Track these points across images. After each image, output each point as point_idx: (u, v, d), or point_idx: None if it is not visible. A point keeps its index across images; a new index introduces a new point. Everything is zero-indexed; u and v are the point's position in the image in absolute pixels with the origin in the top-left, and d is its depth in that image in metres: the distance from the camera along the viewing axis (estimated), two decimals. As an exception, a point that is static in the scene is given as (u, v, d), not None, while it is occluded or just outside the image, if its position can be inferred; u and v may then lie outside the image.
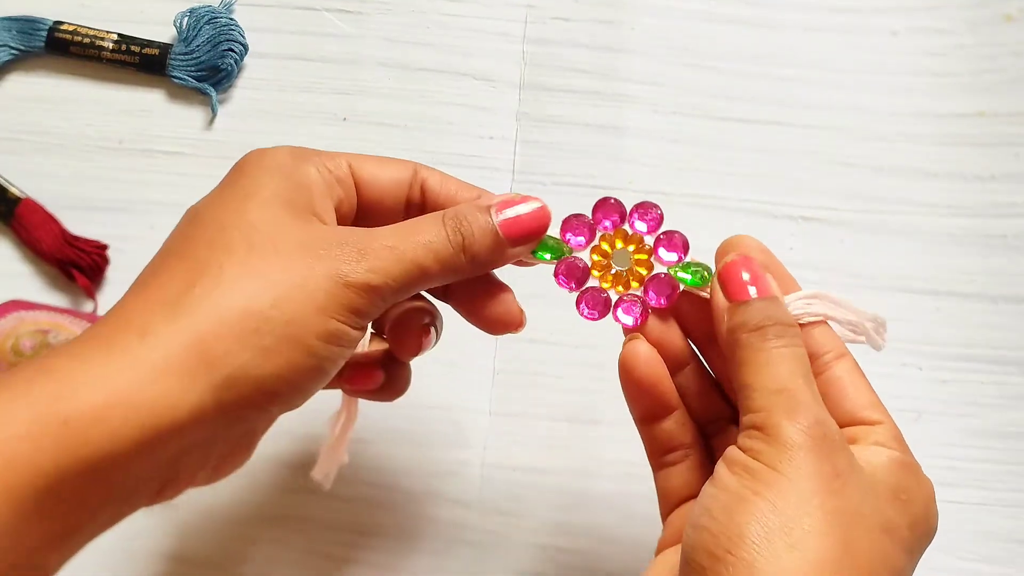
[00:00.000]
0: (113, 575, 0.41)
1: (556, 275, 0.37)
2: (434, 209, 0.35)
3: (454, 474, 0.42)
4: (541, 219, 0.35)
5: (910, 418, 0.42)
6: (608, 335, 0.44)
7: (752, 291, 0.32)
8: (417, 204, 0.35)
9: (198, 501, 0.42)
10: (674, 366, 0.36)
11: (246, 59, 0.47)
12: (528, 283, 0.44)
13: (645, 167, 0.45)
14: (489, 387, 0.43)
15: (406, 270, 0.32)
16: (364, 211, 0.35)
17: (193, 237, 0.31)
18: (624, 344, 0.35)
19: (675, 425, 0.35)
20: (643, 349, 0.35)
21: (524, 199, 0.35)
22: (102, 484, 0.28)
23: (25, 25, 0.47)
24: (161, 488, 0.30)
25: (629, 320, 0.36)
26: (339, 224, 0.34)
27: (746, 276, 0.33)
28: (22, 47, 0.47)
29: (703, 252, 0.44)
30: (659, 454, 0.35)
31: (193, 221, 0.32)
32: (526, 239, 0.35)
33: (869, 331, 0.35)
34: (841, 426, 0.32)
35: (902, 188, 0.45)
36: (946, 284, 0.43)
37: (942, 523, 0.40)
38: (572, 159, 0.46)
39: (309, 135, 0.46)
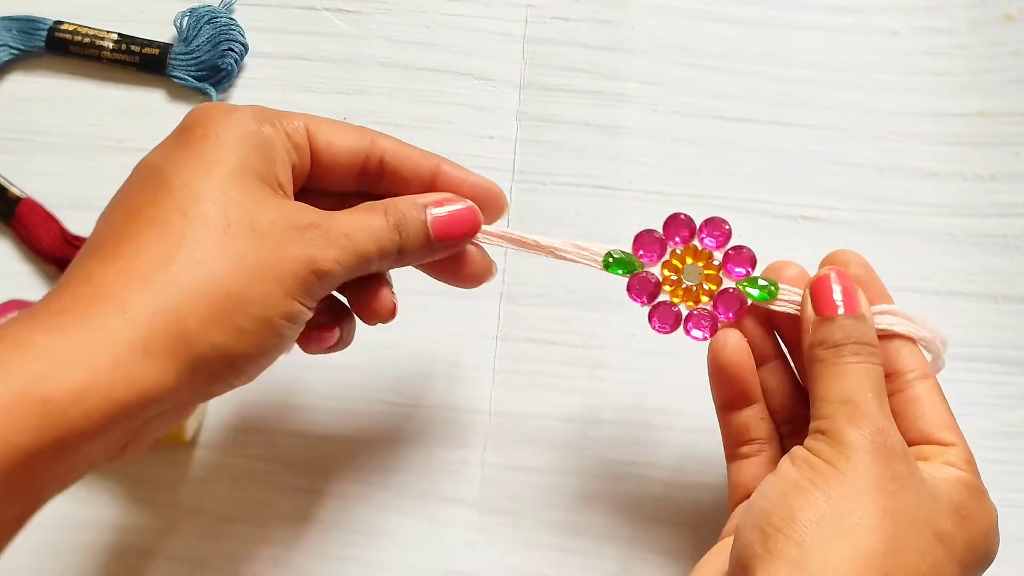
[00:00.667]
0: (107, 573, 0.40)
1: (629, 290, 0.38)
2: (393, 178, 0.36)
3: (454, 473, 0.42)
4: (470, 222, 0.36)
5: (910, 418, 0.42)
6: (608, 335, 0.44)
7: (840, 308, 0.34)
8: (374, 173, 0.36)
9: (195, 500, 0.42)
10: (760, 359, 0.37)
11: (246, 59, 0.47)
12: (528, 283, 0.44)
13: (645, 167, 0.45)
14: (489, 386, 0.43)
15: (356, 259, 0.33)
16: (315, 176, 0.35)
17: (161, 201, 0.31)
18: (717, 332, 0.37)
19: (753, 418, 0.37)
20: (733, 338, 0.36)
21: (457, 201, 0.36)
22: (72, 457, 0.28)
23: (25, 25, 0.47)
24: (122, 450, 0.31)
25: (700, 335, 0.38)
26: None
27: (837, 292, 0.34)
28: (22, 47, 0.47)
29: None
30: (735, 444, 0.37)
31: (158, 180, 0.31)
32: (453, 240, 0.36)
33: (940, 351, 0.36)
34: (914, 444, 0.33)
35: (902, 187, 0.45)
36: (946, 284, 0.43)
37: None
38: (572, 159, 0.46)
39: (309, 135, 0.46)
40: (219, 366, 0.31)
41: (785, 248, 0.44)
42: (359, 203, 0.35)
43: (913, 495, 0.31)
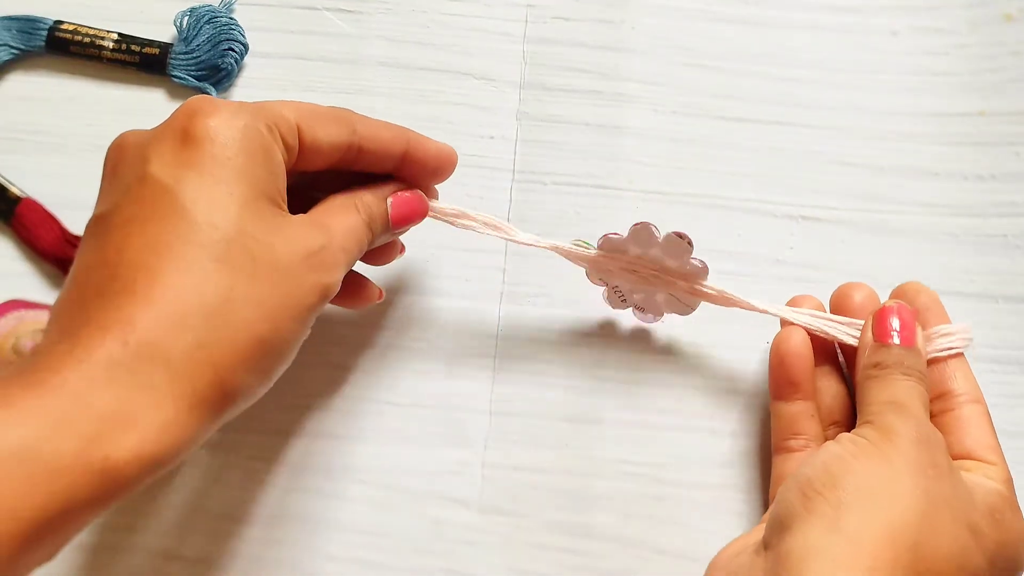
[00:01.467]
0: (107, 573, 0.40)
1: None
2: (369, 159, 0.37)
3: (454, 473, 0.42)
4: (421, 209, 0.39)
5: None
6: (608, 335, 0.44)
7: (895, 339, 0.37)
8: (352, 159, 0.37)
9: (194, 499, 0.42)
10: (819, 360, 0.40)
11: (246, 58, 0.47)
12: (528, 283, 0.44)
13: (645, 166, 0.45)
14: (489, 386, 0.43)
15: (349, 268, 0.36)
16: (294, 166, 0.36)
17: (187, 237, 0.31)
18: (783, 327, 0.40)
19: (803, 413, 0.39)
20: (798, 334, 0.39)
21: (409, 190, 0.39)
22: (115, 502, 0.29)
23: (25, 24, 0.47)
24: None
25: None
26: None
27: (895, 324, 0.37)
28: (22, 46, 0.47)
29: (704, 252, 0.44)
30: (783, 436, 0.39)
31: (176, 209, 0.31)
32: (407, 225, 0.39)
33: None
34: (957, 459, 0.35)
35: (902, 187, 0.45)
36: (946, 283, 0.43)
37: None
38: (572, 158, 0.46)
39: (309, 135, 0.46)
40: (242, 403, 0.32)
41: (785, 248, 0.44)
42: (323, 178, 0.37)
43: (950, 485, 0.33)
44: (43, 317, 0.43)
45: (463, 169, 0.45)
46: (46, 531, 0.27)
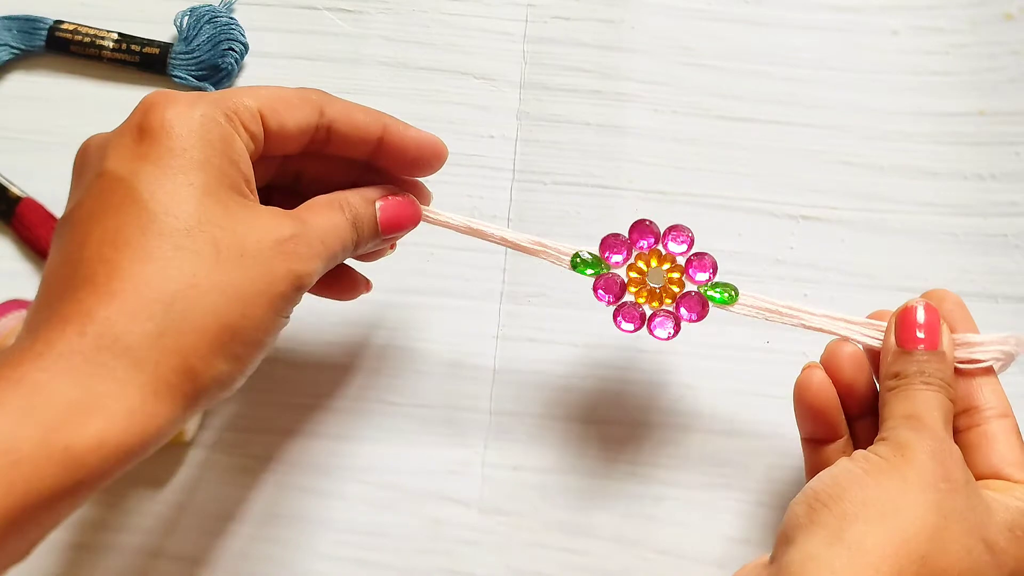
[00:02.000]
0: (106, 572, 0.40)
1: (595, 289, 0.39)
2: (341, 142, 0.36)
3: (454, 473, 0.42)
4: (413, 215, 0.38)
5: (910, 417, 0.42)
6: (608, 335, 0.44)
7: (919, 340, 0.35)
8: (322, 140, 0.36)
9: (193, 499, 0.42)
10: (851, 397, 0.37)
11: (246, 58, 0.47)
12: (528, 282, 0.44)
13: (646, 166, 0.45)
14: (489, 386, 0.43)
15: (329, 263, 0.35)
16: (263, 151, 0.35)
17: (147, 228, 0.30)
18: (803, 369, 0.37)
19: (836, 452, 0.37)
20: (818, 377, 0.37)
21: (401, 195, 0.38)
22: (85, 495, 0.29)
23: (25, 24, 0.47)
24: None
25: (663, 334, 0.39)
26: None
27: (920, 326, 0.35)
28: (22, 46, 0.47)
29: (706, 250, 0.44)
30: (816, 472, 0.36)
31: (134, 201, 0.31)
32: (399, 232, 0.38)
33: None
34: (982, 478, 0.34)
35: (902, 187, 0.45)
36: (946, 283, 0.43)
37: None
38: (573, 158, 0.46)
39: (309, 134, 0.46)
40: (216, 391, 0.31)
41: (785, 247, 0.44)
42: (300, 163, 0.37)
43: (965, 499, 0.32)
44: (43, 317, 0.43)
45: (464, 169, 0.45)
46: (10, 526, 0.27)
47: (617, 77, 0.47)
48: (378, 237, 0.37)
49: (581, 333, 0.43)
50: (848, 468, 0.33)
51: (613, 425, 0.42)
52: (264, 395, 0.43)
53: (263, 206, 0.34)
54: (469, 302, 0.44)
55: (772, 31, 0.47)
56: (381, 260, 0.44)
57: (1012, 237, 0.44)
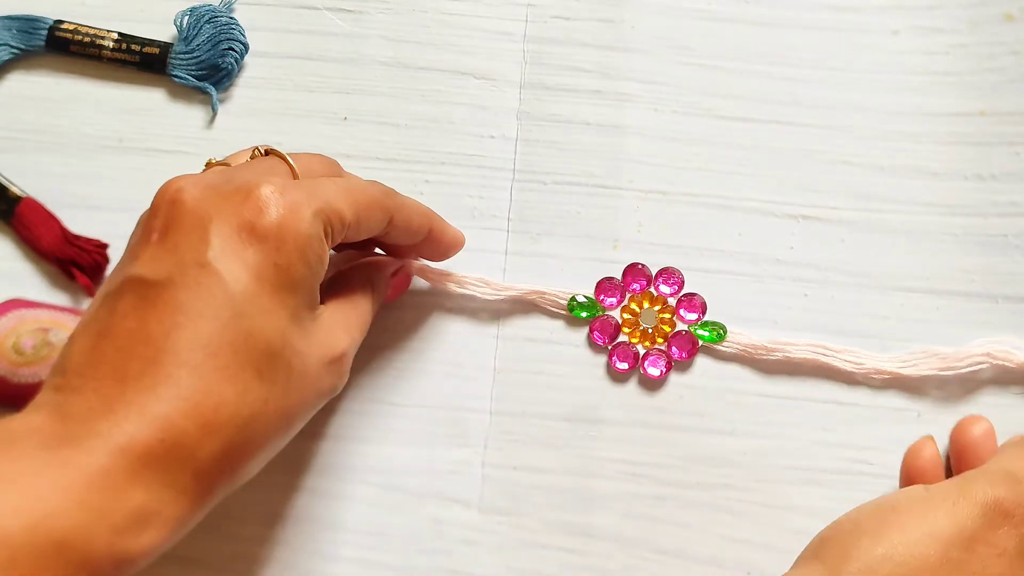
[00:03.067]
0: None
1: (591, 331, 0.43)
2: (392, 238, 0.39)
3: (454, 473, 0.42)
4: (408, 283, 0.43)
5: (911, 416, 0.42)
6: (609, 334, 0.44)
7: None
8: (379, 237, 0.39)
9: (198, 500, 0.42)
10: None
11: (246, 58, 0.47)
12: (530, 282, 0.44)
13: (646, 166, 0.45)
14: (490, 386, 0.43)
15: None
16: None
17: (236, 346, 0.31)
18: (917, 440, 0.40)
19: None
20: (928, 452, 0.40)
21: (405, 265, 0.42)
22: None
23: (25, 24, 0.47)
24: None
25: (656, 372, 0.42)
26: None
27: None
28: (22, 46, 0.47)
29: (704, 251, 0.44)
30: None
31: (229, 311, 0.31)
32: (395, 298, 0.42)
33: None
34: None
35: (902, 187, 0.45)
36: (946, 283, 0.43)
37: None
38: (573, 158, 0.46)
39: (309, 134, 0.46)
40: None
41: (785, 247, 0.44)
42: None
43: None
44: (43, 316, 0.43)
45: (463, 169, 0.45)
46: None
47: (617, 77, 0.46)
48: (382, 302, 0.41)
49: (581, 333, 0.43)
50: (889, 503, 0.33)
51: (613, 425, 0.42)
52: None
53: (322, 314, 0.35)
54: (469, 301, 0.44)
55: (772, 31, 0.47)
56: (381, 260, 0.44)
57: (1012, 237, 0.44)
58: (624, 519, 0.41)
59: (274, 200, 0.32)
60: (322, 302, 0.35)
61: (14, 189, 0.45)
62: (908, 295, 0.43)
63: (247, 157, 0.37)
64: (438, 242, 0.40)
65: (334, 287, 0.37)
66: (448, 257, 0.42)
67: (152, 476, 0.29)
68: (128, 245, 0.34)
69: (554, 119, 0.46)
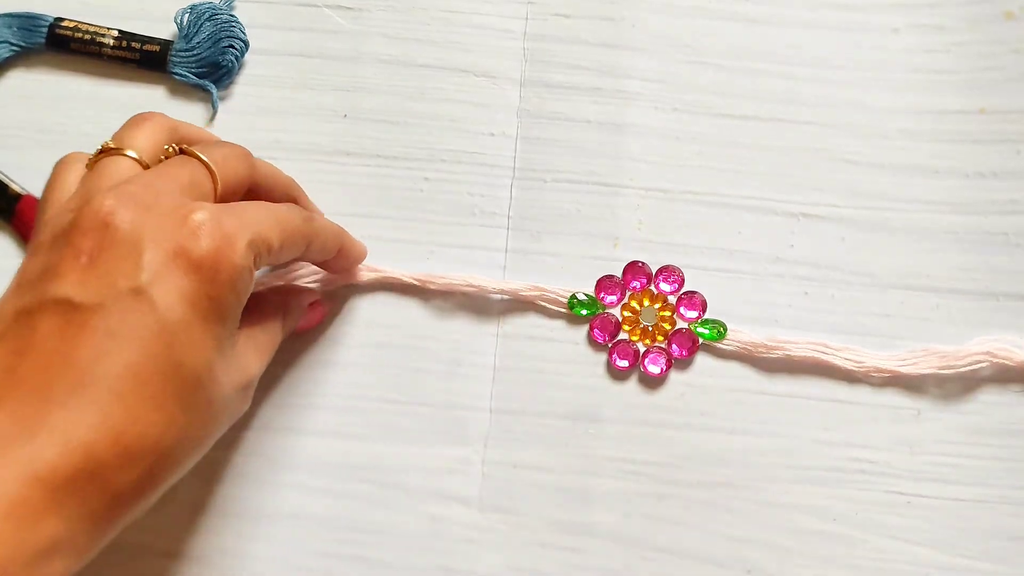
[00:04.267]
0: (106, 570, 0.40)
1: (591, 329, 0.43)
2: (312, 257, 0.39)
3: (454, 471, 0.42)
4: (321, 318, 0.43)
5: (911, 415, 0.42)
6: (609, 332, 0.44)
7: None
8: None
9: (194, 497, 0.42)
10: None
11: (247, 56, 0.47)
12: (530, 280, 0.44)
13: (646, 164, 0.45)
14: (490, 384, 0.43)
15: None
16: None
17: (165, 376, 0.31)
18: None
19: None
20: None
21: (319, 299, 0.42)
22: None
23: (25, 22, 0.47)
24: None
25: (656, 369, 0.42)
26: None
27: None
28: (22, 44, 0.47)
29: (705, 250, 0.44)
30: None
31: (161, 343, 0.30)
32: (306, 329, 0.43)
33: None
34: None
35: (902, 185, 0.45)
36: (946, 281, 0.43)
37: (943, 520, 0.41)
38: (573, 156, 0.46)
39: (309, 132, 0.46)
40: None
41: (786, 246, 0.44)
42: None
43: None
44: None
45: (464, 166, 0.45)
46: None
47: (618, 75, 0.46)
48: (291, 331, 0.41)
49: (581, 331, 0.43)
50: None
51: (613, 423, 0.42)
52: (263, 393, 0.43)
53: (237, 337, 0.35)
54: (469, 299, 0.44)
55: (773, 29, 0.47)
56: (382, 256, 0.44)
57: (1013, 235, 0.44)
58: (624, 517, 0.41)
59: (209, 228, 0.31)
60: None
61: (14, 187, 0.45)
62: (908, 293, 0.43)
63: (146, 137, 0.36)
64: (345, 259, 0.41)
65: (248, 310, 0.36)
66: (351, 270, 0.43)
67: (68, 504, 0.28)
68: (41, 255, 0.32)
69: (554, 117, 0.46)
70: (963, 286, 0.43)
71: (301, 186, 0.41)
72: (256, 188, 0.37)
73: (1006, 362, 0.41)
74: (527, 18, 0.47)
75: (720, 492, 0.41)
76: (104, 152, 0.35)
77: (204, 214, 0.32)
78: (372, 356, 0.43)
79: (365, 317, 0.44)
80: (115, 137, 0.36)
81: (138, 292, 0.30)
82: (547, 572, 0.41)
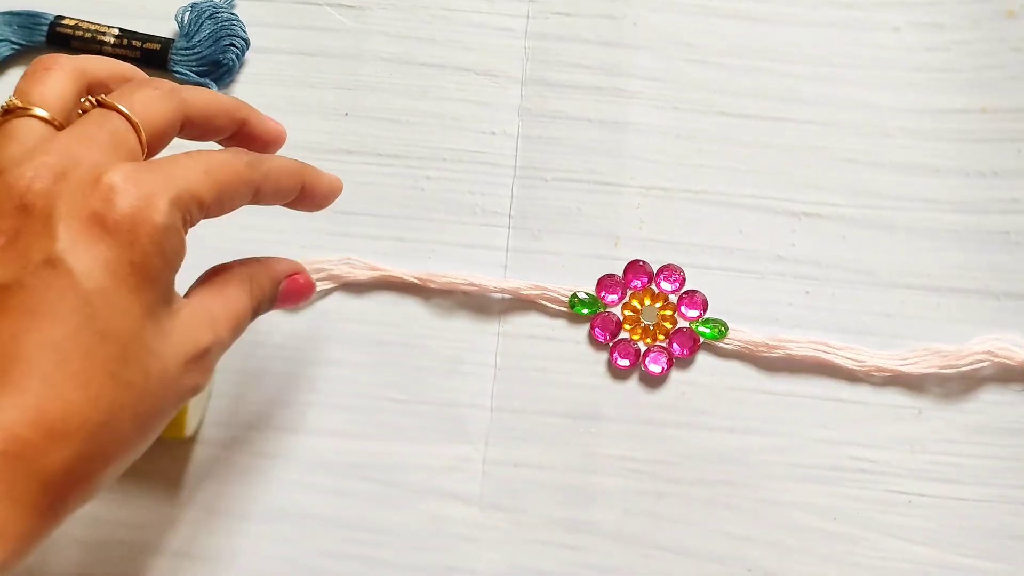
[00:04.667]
0: (110, 569, 0.41)
1: (592, 328, 0.43)
2: (270, 199, 0.35)
3: (455, 470, 0.42)
4: (308, 293, 0.38)
5: (912, 414, 0.42)
6: (610, 331, 0.44)
7: None
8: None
9: (194, 495, 0.42)
10: None
11: (247, 54, 0.47)
12: (531, 279, 0.44)
13: (647, 162, 0.45)
14: (491, 382, 0.43)
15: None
16: None
17: (88, 349, 0.29)
18: None
19: None
20: None
21: (301, 272, 0.38)
22: None
23: (26, 19, 0.47)
24: None
25: (656, 368, 0.42)
26: None
27: None
28: (23, 42, 0.47)
29: (706, 249, 0.44)
30: None
31: (79, 314, 0.28)
32: (291, 307, 0.39)
33: None
34: None
35: (903, 184, 0.45)
36: (947, 280, 0.43)
37: (944, 519, 0.41)
38: (574, 154, 0.46)
39: (310, 130, 0.46)
40: (81, 506, 0.30)
41: (787, 244, 0.44)
42: None
43: None
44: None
45: (465, 165, 0.45)
46: None
47: (618, 73, 0.46)
48: (272, 307, 0.37)
49: (582, 330, 0.43)
50: None
51: (614, 422, 0.42)
52: (265, 392, 0.43)
53: (182, 307, 0.32)
54: (470, 298, 0.44)
55: (774, 27, 0.47)
56: (383, 255, 0.44)
57: (1014, 234, 0.44)
58: (625, 516, 0.41)
59: (124, 190, 0.29)
60: (191, 294, 0.34)
61: (15, 185, 0.45)
62: (909, 292, 0.43)
63: (55, 90, 0.33)
64: (312, 196, 0.36)
65: (208, 278, 0.34)
66: (325, 206, 0.37)
67: None
68: None
69: (555, 115, 0.46)
70: (964, 285, 0.43)
71: (254, 108, 0.37)
72: (191, 123, 0.34)
73: (1007, 361, 0.41)
74: (528, 16, 0.47)
75: (721, 490, 0.41)
76: (10, 112, 0.32)
77: (118, 175, 0.29)
78: (373, 354, 0.43)
79: (366, 315, 0.44)
80: (18, 91, 0.33)
81: (54, 264, 0.28)
82: (548, 570, 0.41)
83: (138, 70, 0.36)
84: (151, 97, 0.32)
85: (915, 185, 0.45)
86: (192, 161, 0.31)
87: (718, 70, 0.46)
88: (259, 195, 0.34)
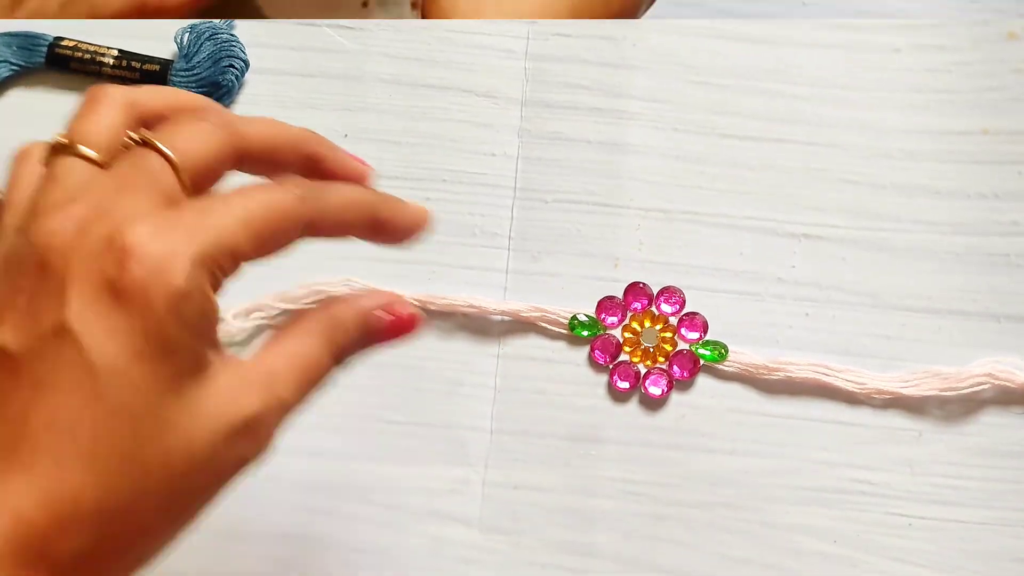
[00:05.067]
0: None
1: (592, 350, 0.43)
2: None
3: (455, 492, 0.42)
4: (409, 327, 0.32)
5: (912, 436, 0.42)
6: (610, 353, 0.44)
7: None
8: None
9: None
10: None
11: (247, 75, 0.47)
12: (531, 300, 0.44)
13: (647, 184, 0.45)
14: (491, 404, 0.43)
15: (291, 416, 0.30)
16: None
17: (99, 430, 0.26)
18: None
19: None
20: None
21: (400, 303, 0.32)
22: None
23: (25, 41, 0.47)
24: None
25: (657, 391, 0.42)
26: None
27: None
28: (22, 63, 0.47)
29: (706, 271, 0.44)
30: None
31: (92, 388, 0.26)
32: (390, 341, 0.32)
33: None
34: None
35: (904, 206, 0.45)
36: (948, 303, 0.43)
37: (944, 542, 0.41)
38: (574, 176, 0.45)
39: (310, 151, 0.46)
40: None
41: (787, 266, 0.44)
42: None
43: None
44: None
45: (465, 187, 0.45)
46: None
47: (618, 95, 0.46)
48: (364, 346, 0.31)
49: (582, 351, 0.43)
50: None
51: (614, 444, 0.42)
52: (265, 414, 0.43)
53: (220, 370, 0.28)
54: (470, 319, 0.44)
55: (774, 48, 0.47)
56: (383, 277, 0.44)
57: (1015, 257, 0.44)
58: (624, 538, 0.41)
59: (141, 250, 0.26)
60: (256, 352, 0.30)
61: (14, 206, 0.45)
62: (910, 314, 0.43)
63: (101, 125, 0.29)
64: (388, 230, 0.31)
65: (278, 330, 0.31)
66: (408, 239, 0.32)
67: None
68: None
69: (555, 137, 0.46)
70: (965, 307, 0.43)
71: (331, 143, 0.32)
72: (249, 158, 0.30)
73: (1008, 384, 0.41)
74: (528, 38, 0.47)
75: (721, 513, 0.41)
76: (57, 150, 0.29)
77: (135, 234, 0.26)
78: (373, 376, 0.43)
79: (366, 338, 0.44)
80: (69, 127, 0.30)
81: (63, 334, 0.26)
82: (548, 593, 0.41)
83: (209, 100, 0.32)
84: (198, 131, 0.29)
85: (916, 207, 0.44)
86: (227, 206, 0.28)
87: (718, 91, 0.46)
88: (315, 230, 0.30)
